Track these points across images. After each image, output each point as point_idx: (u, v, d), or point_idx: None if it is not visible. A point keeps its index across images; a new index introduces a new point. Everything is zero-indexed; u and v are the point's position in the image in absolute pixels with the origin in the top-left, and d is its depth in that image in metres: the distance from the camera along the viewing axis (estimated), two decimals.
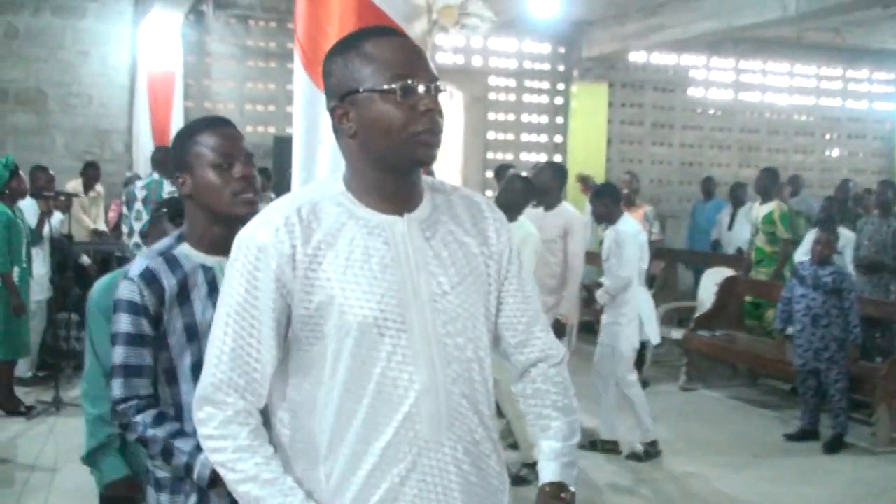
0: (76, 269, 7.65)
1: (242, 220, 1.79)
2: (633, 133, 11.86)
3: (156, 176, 6.20)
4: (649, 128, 11.92)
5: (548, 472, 1.76)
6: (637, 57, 11.62)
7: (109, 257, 7.85)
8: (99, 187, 8.36)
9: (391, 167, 1.61)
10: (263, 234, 1.58)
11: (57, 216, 7.23)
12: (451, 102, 10.69)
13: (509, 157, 11.03)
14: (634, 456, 5.62)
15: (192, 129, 2.13)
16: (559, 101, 11.47)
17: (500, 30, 10.07)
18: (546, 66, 11.43)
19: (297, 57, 2.96)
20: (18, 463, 5.40)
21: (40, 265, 7.06)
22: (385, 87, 1.55)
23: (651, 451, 5.63)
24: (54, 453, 5.52)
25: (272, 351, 1.60)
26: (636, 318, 5.65)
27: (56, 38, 9.12)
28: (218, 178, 2.05)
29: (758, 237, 7.64)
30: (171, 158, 2.19)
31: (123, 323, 2.05)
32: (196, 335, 2.06)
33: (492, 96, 11.18)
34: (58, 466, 5.30)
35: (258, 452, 1.59)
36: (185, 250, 2.11)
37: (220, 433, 1.60)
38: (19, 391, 6.62)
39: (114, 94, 9.29)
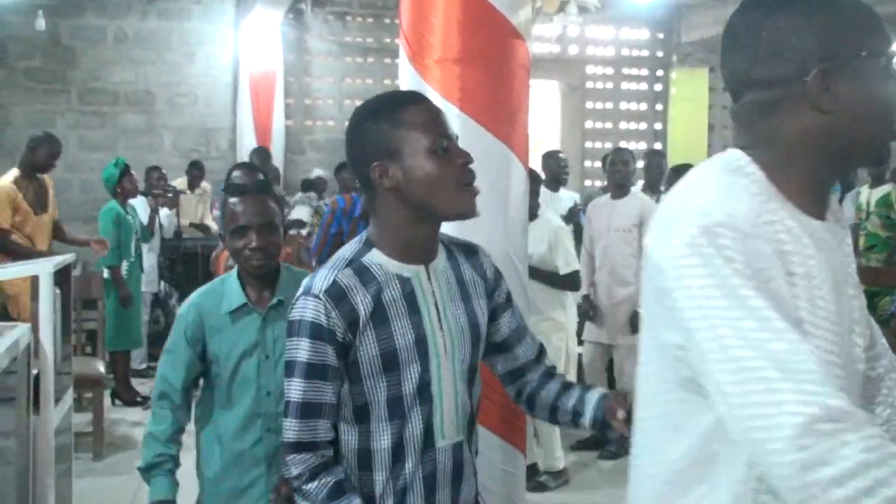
0: (185, 264, 7.89)
1: (463, 218, 1.80)
2: None
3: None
4: None
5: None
6: None
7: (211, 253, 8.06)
8: (204, 184, 8.59)
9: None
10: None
11: (164, 213, 7.47)
12: (548, 92, 10.61)
13: (608, 145, 10.90)
14: None
15: (392, 106, 1.79)
16: (658, 87, 11.27)
17: (596, 17, 9.94)
18: (644, 53, 11.24)
19: (403, 50, 2.97)
20: (138, 451, 5.58)
21: (151, 260, 7.34)
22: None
23: None
24: None
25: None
26: None
27: (163, 40, 9.41)
28: (437, 167, 1.74)
29: (869, 221, 7.35)
30: (357, 146, 1.79)
31: (303, 350, 1.73)
32: (395, 363, 1.77)
33: (589, 85, 11.06)
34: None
35: None
36: (377, 258, 1.79)
37: None
38: (134, 382, 6.87)
39: (218, 93, 9.54)
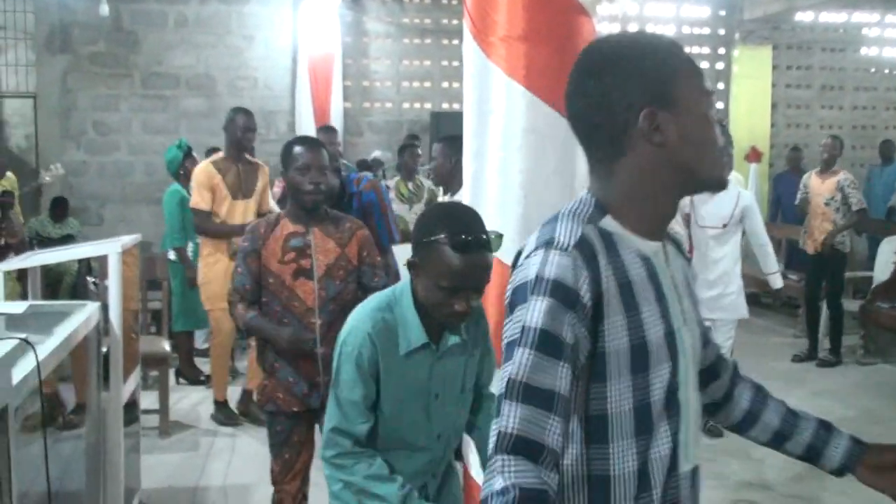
0: None
1: (719, 190, 1.53)
2: (801, 97, 11.30)
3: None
4: (818, 90, 11.32)
5: None
6: (804, 16, 11.03)
7: None
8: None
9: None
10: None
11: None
12: None
13: None
14: None
15: (669, 48, 1.48)
16: (720, 66, 11.05)
17: None
18: (706, 31, 11.03)
19: (467, 27, 2.94)
20: (202, 429, 5.72)
21: None
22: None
23: None
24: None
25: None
26: None
27: (223, 24, 9.49)
28: (711, 127, 1.47)
29: None
30: (616, 82, 1.45)
31: (538, 313, 1.32)
32: (646, 361, 1.40)
33: None
34: (237, 433, 5.57)
35: None
36: (612, 226, 1.45)
37: None
38: (197, 361, 6.99)
39: (277, 75, 9.60)
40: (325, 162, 3.36)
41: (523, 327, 1.32)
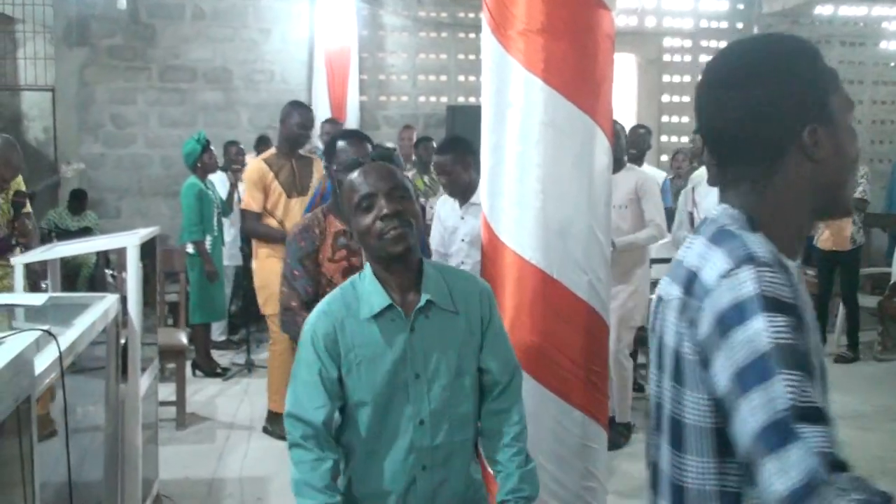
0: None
1: (839, 218, 1.53)
2: None
3: None
4: None
5: None
6: (823, 10, 10.95)
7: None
8: None
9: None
10: None
11: (243, 186, 7.56)
12: (625, 65, 10.43)
13: (685, 120, 10.70)
14: None
15: (817, 57, 1.42)
16: None
17: None
18: (724, 24, 10.95)
19: (486, 21, 2.94)
20: (218, 421, 5.75)
21: (230, 234, 7.47)
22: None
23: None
24: (249, 413, 5.83)
25: None
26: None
27: (239, 17, 9.50)
28: (856, 145, 1.43)
29: None
30: (784, 93, 1.38)
31: (771, 331, 1.21)
32: (823, 383, 1.35)
33: (666, 58, 10.83)
34: (253, 425, 5.60)
35: None
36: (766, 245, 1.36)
37: None
38: (214, 354, 7.03)
39: (294, 69, 9.61)
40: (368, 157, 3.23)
41: (764, 354, 1.21)
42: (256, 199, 5.30)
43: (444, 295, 2.18)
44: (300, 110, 5.39)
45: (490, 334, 2.24)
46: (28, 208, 5.54)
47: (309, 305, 3.00)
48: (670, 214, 6.85)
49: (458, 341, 2.18)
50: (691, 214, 5.41)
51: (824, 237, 7.42)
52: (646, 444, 1.55)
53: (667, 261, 6.40)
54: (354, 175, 2.18)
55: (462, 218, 4.50)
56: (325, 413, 2.11)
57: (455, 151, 4.42)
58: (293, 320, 3.16)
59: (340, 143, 3.26)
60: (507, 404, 2.27)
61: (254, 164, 5.52)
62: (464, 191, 4.46)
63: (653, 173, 6.62)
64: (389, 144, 9.05)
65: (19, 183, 5.31)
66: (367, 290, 2.14)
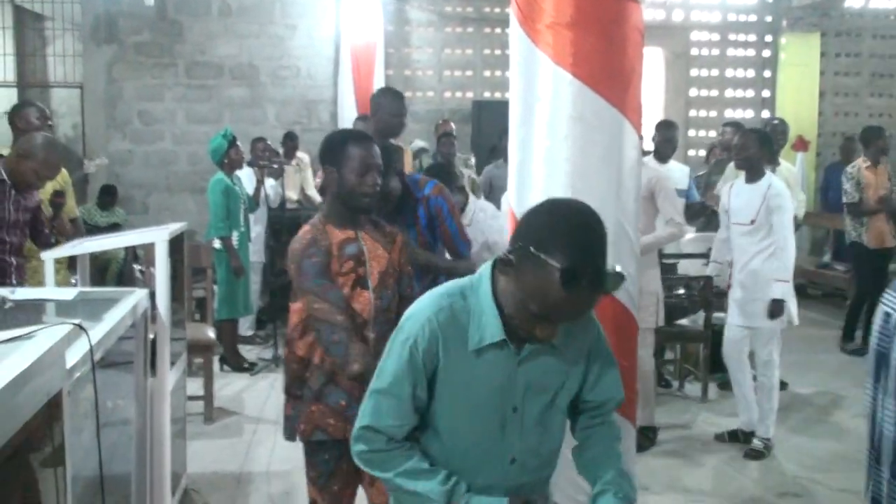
0: (290, 234, 8.02)
1: None
2: (849, 85, 11.08)
3: None
4: (867, 78, 11.10)
5: None
6: (853, 3, 10.82)
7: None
8: (301, 154, 8.68)
9: None
10: None
11: (269, 183, 7.60)
12: (652, 59, 10.36)
13: (713, 114, 10.61)
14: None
15: None
16: (766, 53, 10.88)
17: None
18: (752, 18, 10.85)
19: (514, 15, 2.92)
20: (245, 415, 5.77)
21: (256, 230, 7.49)
22: None
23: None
24: (276, 407, 5.82)
25: None
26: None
27: (266, 13, 9.53)
28: None
29: None
30: None
31: None
32: None
33: (694, 52, 10.74)
34: (280, 420, 5.59)
35: None
36: None
37: None
38: (241, 349, 7.06)
39: (320, 65, 9.62)
40: (380, 161, 2.96)
41: None
42: None
43: (575, 333, 2.01)
44: (390, 98, 5.05)
45: (595, 367, 2.07)
46: (75, 212, 5.57)
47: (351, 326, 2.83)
48: (696, 211, 6.79)
49: (562, 373, 2.00)
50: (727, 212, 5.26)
51: (873, 235, 7.31)
52: (866, 475, 1.49)
53: (699, 256, 6.37)
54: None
55: None
56: (408, 430, 1.97)
57: (441, 180, 4.20)
58: (344, 345, 2.83)
59: (352, 148, 2.93)
60: (603, 418, 2.15)
61: None
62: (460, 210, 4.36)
63: (678, 169, 6.53)
64: (421, 143, 9.08)
65: (66, 181, 5.38)
66: (482, 310, 1.90)
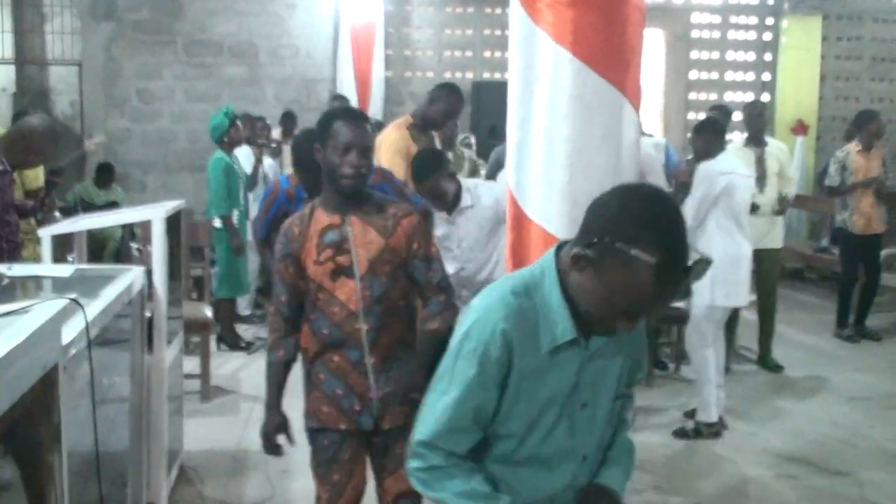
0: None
1: None
2: (850, 69, 11.04)
3: None
4: (868, 62, 11.06)
5: None
6: None
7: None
8: None
9: None
10: None
11: (268, 162, 7.58)
12: (652, 41, 10.32)
13: (713, 97, 10.57)
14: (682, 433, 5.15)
15: None
16: (767, 36, 10.83)
17: None
18: (753, 0, 10.81)
19: None
20: (242, 394, 5.78)
21: (255, 209, 7.47)
22: None
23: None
24: None
25: None
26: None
27: None
28: None
29: None
30: None
31: None
32: None
33: (694, 34, 10.70)
34: None
35: None
36: None
37: None
38: (238, 328, 7.06)
39: (319, 44, 9.59)
40: (369, 142, 2.81)
41: None
42: (399, 165, 4.69)
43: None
44: (452, 100, 4.95)
45: (638, 347, 1.99)
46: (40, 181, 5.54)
47: (286, 315, 2.89)
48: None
49: (620, 360, 1.90)
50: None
51: (860, 220, 7.28)
52: None
53: None
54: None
55: (453, 223, 4.31)
56: (470, 445, 1.84)
57: (434, 169, 4.22)
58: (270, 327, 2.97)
59: (337, 124, 2.78)
60: (623, 404, 2.03)
61: (395, 131, 4.99)
62: (454, 201, 4.27)
63: (651, 141, 6.46)
64: None
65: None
66: (550, 308, 1.77)
